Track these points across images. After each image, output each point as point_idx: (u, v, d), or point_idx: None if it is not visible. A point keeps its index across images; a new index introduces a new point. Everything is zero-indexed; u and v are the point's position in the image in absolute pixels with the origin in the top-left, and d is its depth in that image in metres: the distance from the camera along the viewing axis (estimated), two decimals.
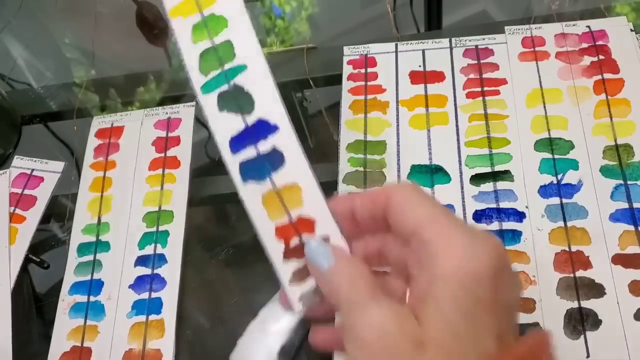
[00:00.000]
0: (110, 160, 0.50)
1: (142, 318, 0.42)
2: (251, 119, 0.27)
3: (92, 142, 0.52)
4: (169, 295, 0.42)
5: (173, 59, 0.61)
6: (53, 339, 0.43)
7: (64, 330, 0.43)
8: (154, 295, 0.43)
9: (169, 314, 0.42)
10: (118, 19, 0.65)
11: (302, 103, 0.54)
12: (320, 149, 0.50)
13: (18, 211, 0.49)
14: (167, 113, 0.51)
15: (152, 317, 0.42)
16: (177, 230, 0.45)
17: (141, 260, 0.44)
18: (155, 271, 0.43)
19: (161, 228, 0.45)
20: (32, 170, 0.51)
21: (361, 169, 0.45)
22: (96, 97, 0.58)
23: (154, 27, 0.59)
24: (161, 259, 0.44)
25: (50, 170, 0.51)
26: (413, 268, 0.24)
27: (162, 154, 0.49)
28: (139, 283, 0.43)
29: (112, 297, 0.43)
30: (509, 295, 0.23)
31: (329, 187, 0.46)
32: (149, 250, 0.44)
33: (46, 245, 0.50)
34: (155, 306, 0.42)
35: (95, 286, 0.44)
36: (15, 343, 0.44)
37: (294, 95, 0.54)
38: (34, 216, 0.49)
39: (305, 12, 0.60)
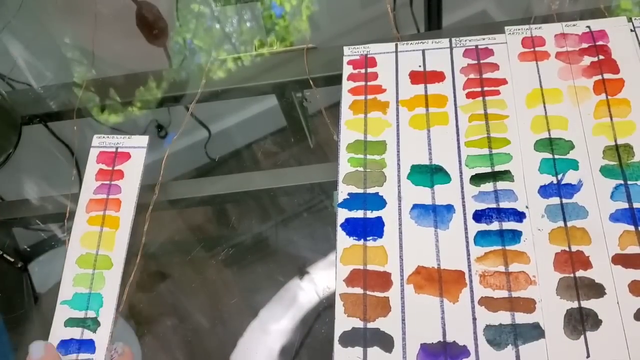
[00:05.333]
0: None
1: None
2: None
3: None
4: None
5: (173, 59, 0.61)
6: None
7: None
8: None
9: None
10: (118, 19, 0.65)
11: (302, 103, 0.54)
12: (320, 149, 0.50)
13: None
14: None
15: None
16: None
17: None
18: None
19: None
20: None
21: (361, 169, 0.45)
22: (96, 97, 0.58)
23: (153, 27, 0.59)
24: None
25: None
26: None
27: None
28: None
29: None
30: None
31: (329, 187, 0.46)
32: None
33: (46, 245, 0.50)
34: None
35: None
36: (16, 343, 0.44)
37: (294, 95, 0.55)
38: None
39: (305, 12, 0.60)
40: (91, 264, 0.45)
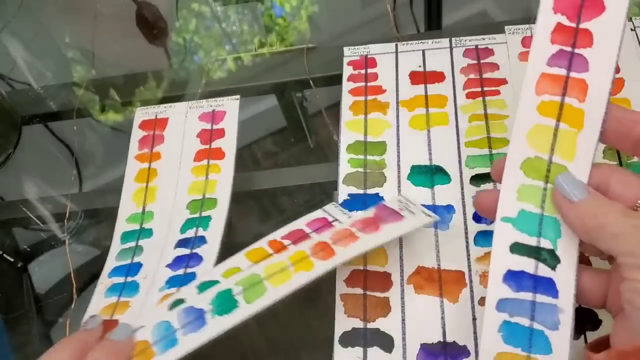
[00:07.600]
0: (155, 151, 0.50)
1: (174, 290, 0.41)
2: None
3: (137, 133, 0.51)
4: (204, 270, 0.42)
5: (173, 58, 0.61)
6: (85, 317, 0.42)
7: (97, 308, 0.42)
8: (189, 270, 0.42)
9: None
10: (118, 19, 0.65)
11: (302, 103, 0.54)
12: (320, 149, 0.50)
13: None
14: (211, 106, 0.51)
15: None
16: (219, 215, 0.45)
17: (182, 243, 0.44)
18: (194, 251, 0.43)
19: (204, 214, 0.45)
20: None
21: (361, 169, 0.45)
22: (96, 97, 0.58)
23: (153, 27, 0.59)
24: (201, 240, 0.43)
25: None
26: None
27: (207, 146, 0.49)
28: (177, 262, 0.43)
29: (148, 276, 0.43)
30: None
31: (329, 187, 0.46)
32: (190, 233, 0.44)
33: (46, 245, 0.50)
34: (188, 280, 0.41)
35: (133, 268, 0.44)
36: (16, 343, 0.44)
37: (294, 95, 0.55)
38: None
39: (305, 12, 0.60)
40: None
